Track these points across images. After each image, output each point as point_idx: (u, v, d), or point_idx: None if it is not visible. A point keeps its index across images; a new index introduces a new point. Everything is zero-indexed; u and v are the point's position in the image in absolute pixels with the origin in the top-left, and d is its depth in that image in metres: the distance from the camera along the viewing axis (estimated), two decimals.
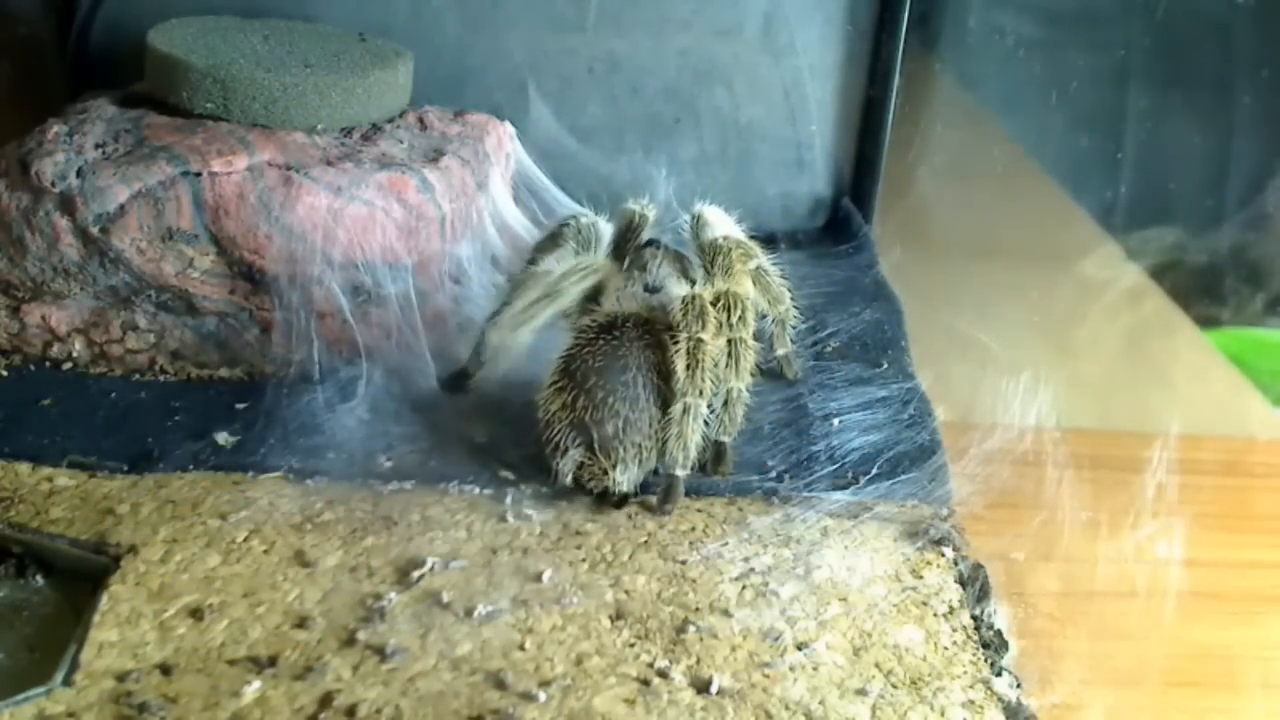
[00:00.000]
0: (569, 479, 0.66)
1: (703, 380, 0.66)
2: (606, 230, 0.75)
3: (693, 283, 0.73)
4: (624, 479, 0.66)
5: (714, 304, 0.68)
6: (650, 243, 0.75)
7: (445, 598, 0.59)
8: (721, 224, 0.76)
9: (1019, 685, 0.57)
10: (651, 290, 0.72)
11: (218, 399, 0.75)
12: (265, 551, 0.62)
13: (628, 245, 0.75)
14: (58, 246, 0.74)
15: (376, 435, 0.71)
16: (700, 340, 0.67)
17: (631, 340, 0.67)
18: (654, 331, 0.69)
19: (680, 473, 0.66)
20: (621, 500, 0.67)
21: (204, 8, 0.90)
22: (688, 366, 0.66)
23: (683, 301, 0.68)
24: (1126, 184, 1.22)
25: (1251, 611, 0.73)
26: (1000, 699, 0.56)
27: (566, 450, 0.66)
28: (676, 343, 0.67)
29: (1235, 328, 1.25)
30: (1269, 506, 0.84)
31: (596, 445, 0.65)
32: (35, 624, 0.58)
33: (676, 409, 0.66)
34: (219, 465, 0.68)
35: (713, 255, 0.73)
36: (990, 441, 0.71)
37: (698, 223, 0.76)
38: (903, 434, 0.75)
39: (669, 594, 0.61)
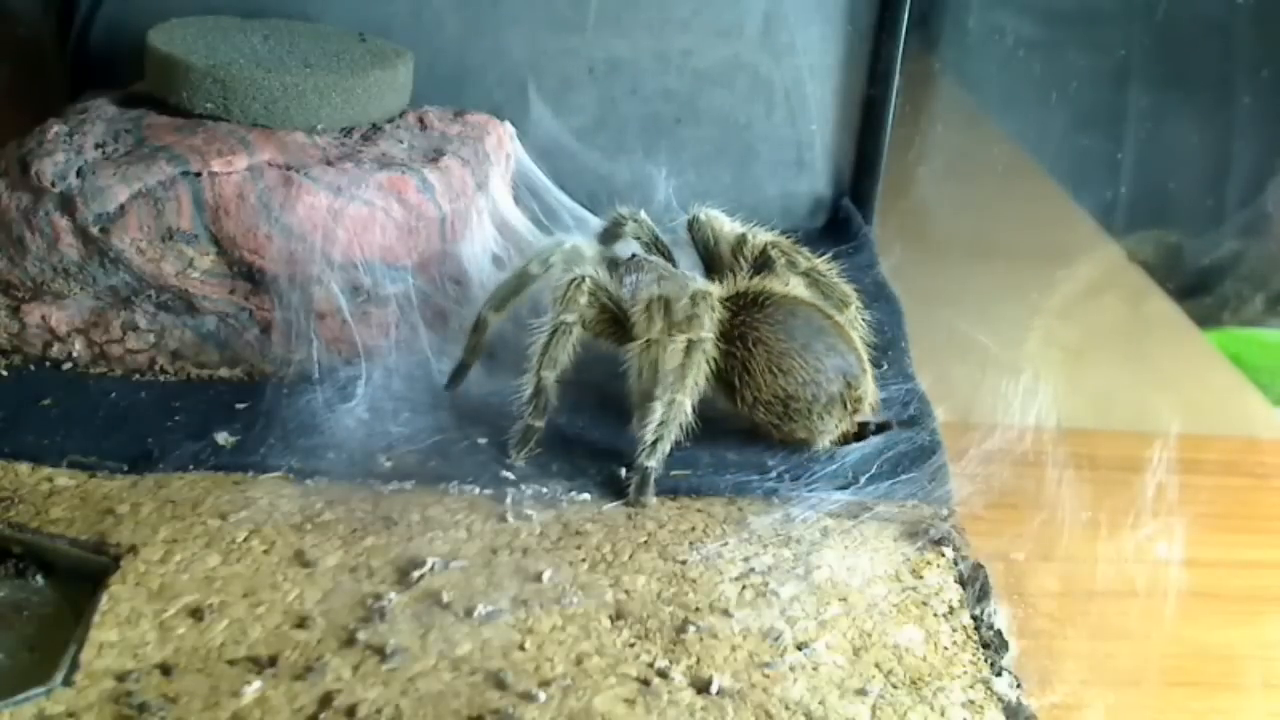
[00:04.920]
0: (838, 429, 0.73)
1: None
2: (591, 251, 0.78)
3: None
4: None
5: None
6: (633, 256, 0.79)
7: (445, 598, 0.59)
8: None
9: (1019, 685, 0.57)
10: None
11: (218, 399, 0.75)
12: (265, 551, 0.62)
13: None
14: (58, 246, 0.74)
15: (376, 435, 0.71)
16: None
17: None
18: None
19: None
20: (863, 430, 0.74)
21: (204, 8, 0.90)
22: None
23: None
24: (1126, 184, 1.23)
25: (1251, 611, 0.73)
26: (1000, 699, 0.56)
27: (837, 396, 0.71)
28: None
29: (1235, 328, 1.25)
30: (1269, 506, 0.84)
31: (849, 379, 0.72)
32: (35, 624, 0.58)
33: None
34: (219, 465, 0.68)
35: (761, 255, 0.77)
36: (990, 442, 0.71)
37: (694, 223, 0.79)
38: (903, 434, 0.75)
39: (669, 594, 0.61)
